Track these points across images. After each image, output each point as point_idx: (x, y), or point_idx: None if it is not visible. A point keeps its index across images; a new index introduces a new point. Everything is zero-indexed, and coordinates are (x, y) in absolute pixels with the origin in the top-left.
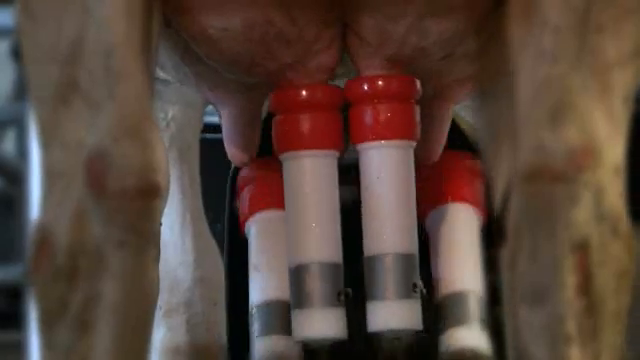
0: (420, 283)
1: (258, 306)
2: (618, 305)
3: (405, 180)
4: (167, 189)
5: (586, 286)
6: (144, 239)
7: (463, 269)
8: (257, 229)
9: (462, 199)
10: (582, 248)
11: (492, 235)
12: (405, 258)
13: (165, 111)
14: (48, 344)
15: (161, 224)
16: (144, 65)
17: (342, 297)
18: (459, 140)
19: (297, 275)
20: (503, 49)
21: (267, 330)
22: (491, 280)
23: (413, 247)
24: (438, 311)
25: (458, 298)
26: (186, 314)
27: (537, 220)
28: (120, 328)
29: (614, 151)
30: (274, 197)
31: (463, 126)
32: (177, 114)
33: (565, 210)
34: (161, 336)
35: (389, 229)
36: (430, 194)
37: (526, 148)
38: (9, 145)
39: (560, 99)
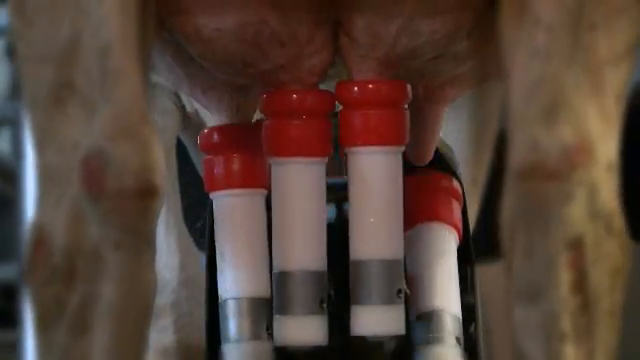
0: (405, 287)
1: (230, 303)
2: (613, 302)
3: (393, 186)
4: (164, 190)
5: (581, 284)
6: (141, 240)
7: (439, 288)
8: (220, 210)
9: (439, 219)
10: (576, 246)
11: (467, 254)
12: (391, 264)
13: None
14: (44, 346)
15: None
16: (140, 65)
17: (324, 304)
18: (436, 160)
19: (280, 281)
20: (495, 48)
21: (241, 336)
22: (467, 299)
23: (399, 253)
24: (413, 329)
25: (434, 316)
26: (173, 315)
27: (531, 218)
28: (117, 329)
29: (608, 148)
30: (242, 175)
31: (440, 147)
32: (155, 119)
33: (559, 208)
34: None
35: (375, 235)
36: (407, 214)
37: (520, 146)
38: (4, 144)
39: (554, 97)
